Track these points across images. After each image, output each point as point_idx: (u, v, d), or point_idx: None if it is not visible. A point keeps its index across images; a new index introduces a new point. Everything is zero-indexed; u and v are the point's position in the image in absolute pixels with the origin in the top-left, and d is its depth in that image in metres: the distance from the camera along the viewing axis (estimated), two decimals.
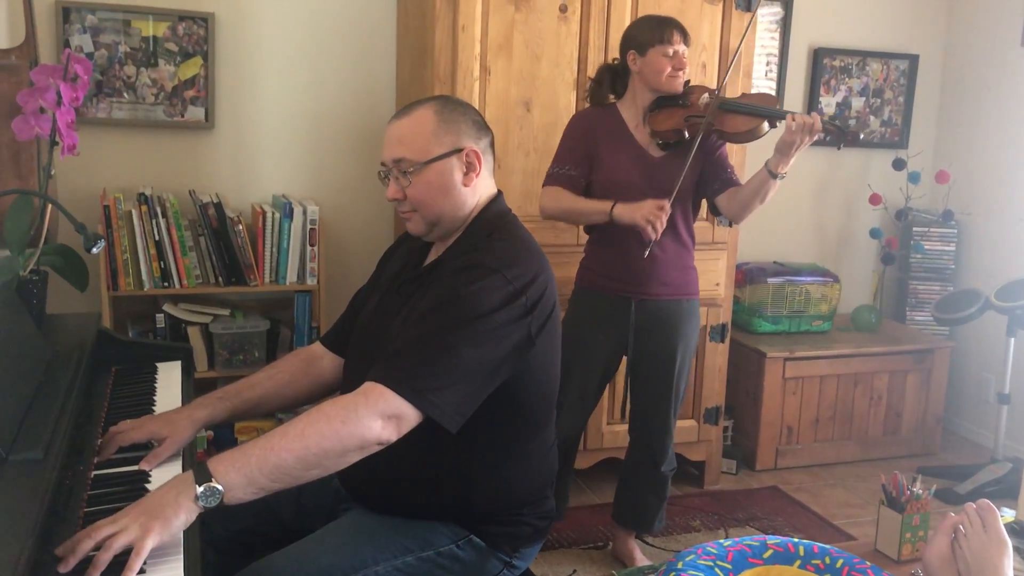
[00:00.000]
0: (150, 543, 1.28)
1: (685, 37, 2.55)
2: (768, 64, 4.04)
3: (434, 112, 1.66)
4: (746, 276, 3.86)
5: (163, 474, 1.60)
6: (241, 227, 3.08)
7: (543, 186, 2.60)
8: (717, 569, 1.61)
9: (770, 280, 3.82)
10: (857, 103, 4.21)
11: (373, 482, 1.69)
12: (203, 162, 3.29)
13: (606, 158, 2.57)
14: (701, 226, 3.30)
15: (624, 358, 2.74)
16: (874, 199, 4.18)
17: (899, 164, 4.15)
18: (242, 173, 3.34)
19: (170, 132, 3.23)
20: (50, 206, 2.11)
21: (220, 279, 3.10)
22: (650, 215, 2.43)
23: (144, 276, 3.00)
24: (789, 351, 3.69)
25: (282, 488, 1.45)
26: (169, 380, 2.07)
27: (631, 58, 2.56)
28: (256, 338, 3.19)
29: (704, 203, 2.76)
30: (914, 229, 4.24)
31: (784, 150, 2.42)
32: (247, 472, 1.40)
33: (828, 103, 4.16)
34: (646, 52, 2.53)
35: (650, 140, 2.59)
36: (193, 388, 2.07)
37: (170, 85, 3.18)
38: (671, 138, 2.57)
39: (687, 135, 2.54)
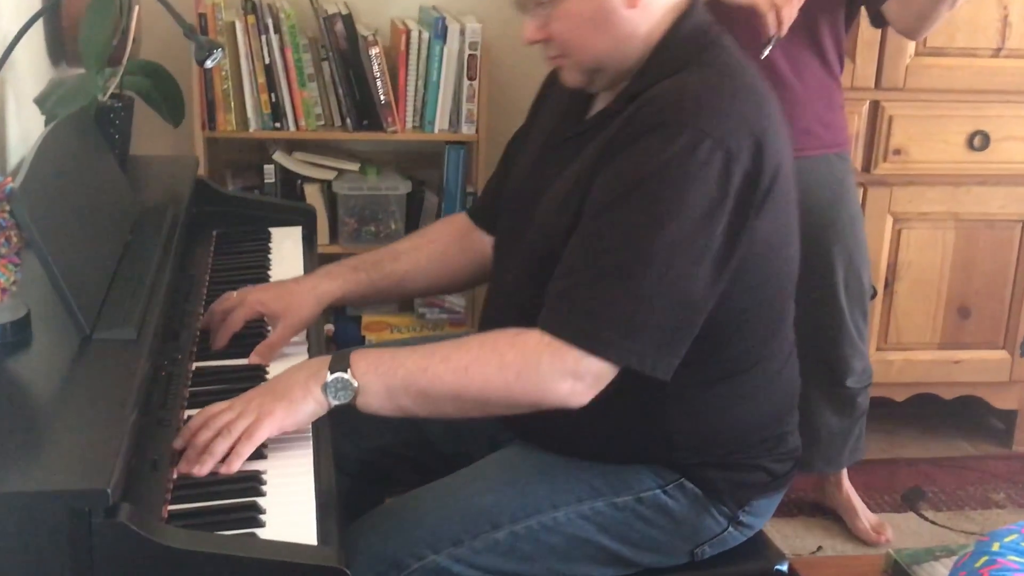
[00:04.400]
0: (267, 428, 1.42)
1: None
2: None
3: None
4: None
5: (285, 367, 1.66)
6: (377, 50, 3.09)
7: None
8: None
9: None
10: None
11: (543, 415, 1.69)
12: None
13: None
14: None
15: None
16: None
17: None
18: None
19: None
20: (135, 12, 2.17)
21: (348, 121, 3.14)
22: None
23: (249, 112, 3.07)
24: None
25: (424, 416, 1.55)
26: (284, 251, 2.15)
27: None
28: (393, 203, 3.23)
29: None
30: None
31: None
32: (389, 383, 1.49)
33: None
34: None
35: None
36: (317, 264, 2.12)
37: None
38: None
39: None
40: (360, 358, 1.50)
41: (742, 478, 1.71)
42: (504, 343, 1.51)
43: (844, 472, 2.96)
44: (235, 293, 1.81)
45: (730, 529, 1.73)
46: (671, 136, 1.50)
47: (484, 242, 1.94)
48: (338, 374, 1.47)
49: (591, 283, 1.50)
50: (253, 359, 1.69)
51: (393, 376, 1.49)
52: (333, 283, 1.85)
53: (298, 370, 1.51)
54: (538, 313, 1.56)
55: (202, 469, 1.37)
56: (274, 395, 1.46)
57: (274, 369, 1.67)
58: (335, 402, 1.47)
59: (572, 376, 1.48)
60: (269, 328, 1.78)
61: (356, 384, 1.47)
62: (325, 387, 1.47)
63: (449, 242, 1.97)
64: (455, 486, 1.67)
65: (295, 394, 1.46)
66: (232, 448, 1.40)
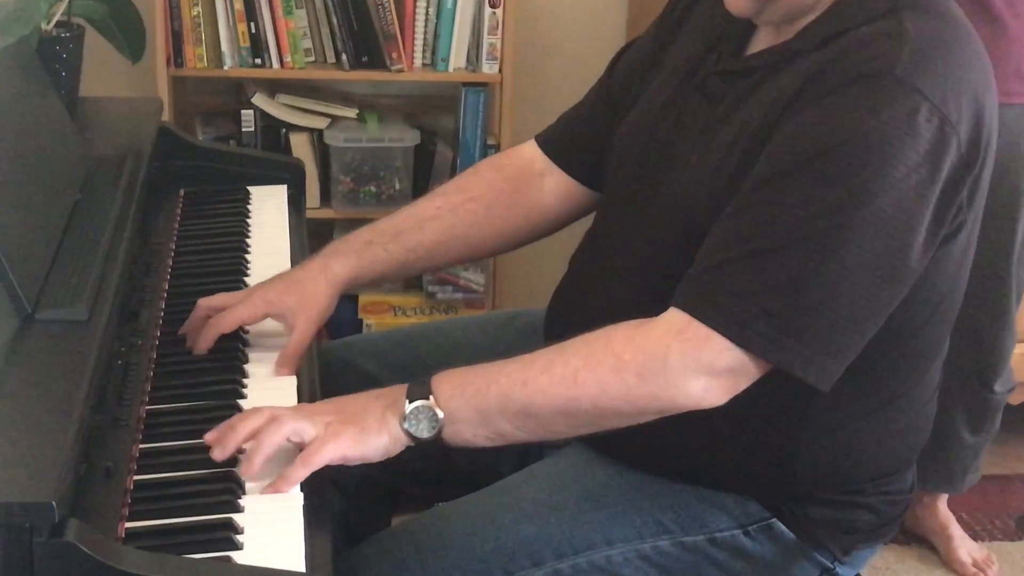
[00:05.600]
0: (330, 453, 1.42)
1: None
2: None
3: None
4: None
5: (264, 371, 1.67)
6: None
7: None
8: None
9: None
10: None
11: None
12: None
13: None
14: None
15: None
16: None
17: None
18: None
19: None
20: None
21: (343, 57, 3.14)
22: None
23: (224, 46, 3.07)
24: None
25: (528, 440, 1.55)
26: (266, 214, 2.14)
27: None
28: (398, 158, 3.23)
29: None
30: None
31: None
32: (481, 404, 1.48)
33: None
34: None
35: None
36: (306, 232, 2.13)
37: None
38: None
39: None
40: (443, 381, 1.50)
41: (847, 519, 1.70)
42: (620, 339, 1.49)
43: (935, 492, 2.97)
44: (229, 294, 1.77)
45: None
46: (880, 92, 1.45)
47: (543, 190, 1.91)
48: (418, 402, 1.47)
49: (752, 259, 1.46)
50: (279, 371, 1.67)
51: (485, 396, 1.48)
52: (344, 263, 1.80)
53: (374, 397, 1.51)
54: (666, 300, 1.53)
55: (248, 469, 1.39)
56: (344, 416, 1.47)
57: (251, 356, 1.68)
58: (417, 436, 1.47)
59: (707, 372, 1.46)
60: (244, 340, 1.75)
61: (441, 413, 1.47)
62: (404, 419, 1.47)
63: (495, 197, 1.89)
64: (488, 508, 1.66)
65: (369, 422, 1.47)
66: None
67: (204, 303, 1.73)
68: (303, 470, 1.39)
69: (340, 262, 1.79)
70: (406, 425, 1.46)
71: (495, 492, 1.69)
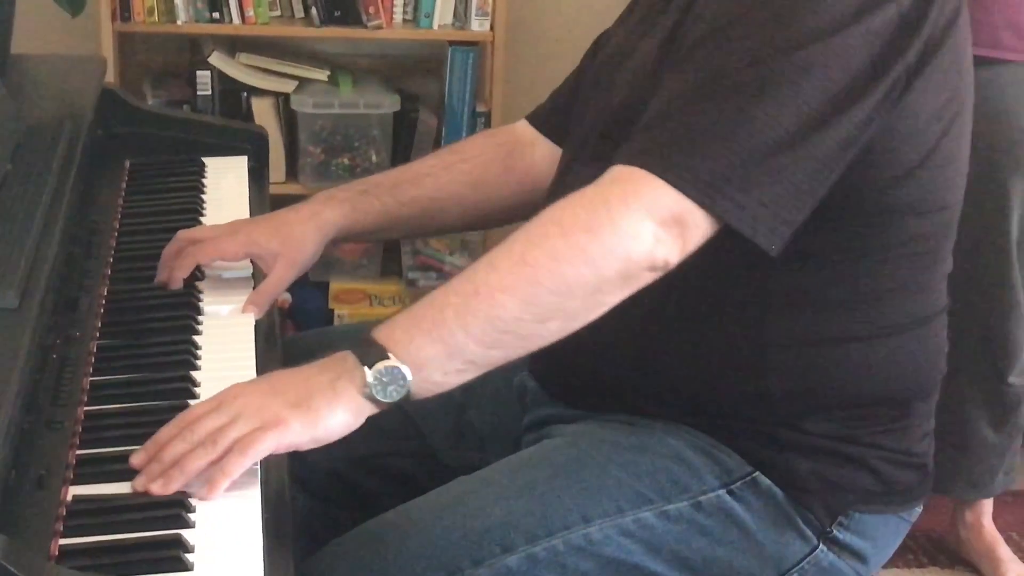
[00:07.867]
0: (272, 442, 1.38)
1: None
2: None
3: None
4: None
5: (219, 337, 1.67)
6: None
7: None
8: None
9: None
10: None
11: (574, 361, 1.70)
12: None
13: None
14: None
15: None
16: None
17: None
18: None
19: None
20: None
21: (314, 12, 3.14)
22: None
23: (177, 0, 3.08)
24: None
25: (502, 360, 1.51)
26: (223, 189, 2.15)
27: None
28: (375, 126, 3.24)
29: None
30: None
31: None
32: (443, 336, 1.46)
33: None
34: None
35: None
36: (270, 210, 2.12)
37: None
38: None
39: None
40: (390, 329, 1.48)
41: (837, 474, 1.71)
42: (557, 208, 1.52)
43: (988, 507, 2.99)
44: (211, 226, 1.89)
45: (823, 549, 1.72)
46: None
47: (536, 161, 1.98)
48: (381, 364, 1.44)
49: (699, 117, 1.51)
50: (248, 308, 1.75)
51: (443, 324, 1.47)
52: (337, 210, 1.89)
53: (315, 372, 1.47)
54: None
55: (167, 486, 1.34)
56: (285, 400, 1.42)
57: (203, 354, 1.67)
58: (387, 400, 1.45)
59: (651, 215, 1.47)
60: (201, 288, 1.80)
61: (405, 366, 1.44)
62: (367, 387, 1.44)
63: (488, 161, 1.98)
64: (453, 496, 1.67)
65: (317, 403, 1.42)
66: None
67: (184, 235, 1.83)
68: (238, 462, 1.36)
69: (333, 209, 1.88)
70: (374, 393, 1.43)
71: (459, 482, 1.70)
